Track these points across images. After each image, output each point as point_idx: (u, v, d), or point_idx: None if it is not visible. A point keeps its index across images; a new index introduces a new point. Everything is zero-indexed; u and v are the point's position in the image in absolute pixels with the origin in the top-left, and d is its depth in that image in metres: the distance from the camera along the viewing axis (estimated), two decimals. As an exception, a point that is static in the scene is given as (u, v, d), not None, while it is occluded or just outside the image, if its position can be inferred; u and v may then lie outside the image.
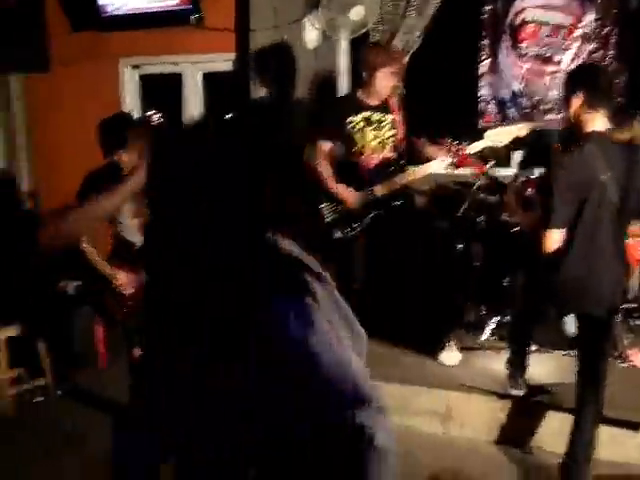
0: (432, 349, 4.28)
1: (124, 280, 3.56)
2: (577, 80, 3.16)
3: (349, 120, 4.29)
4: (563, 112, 5.26)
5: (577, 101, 3.07)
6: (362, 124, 4.29)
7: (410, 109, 4.55)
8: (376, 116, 4.29)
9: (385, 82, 4.21)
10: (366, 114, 4.29)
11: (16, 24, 5.65)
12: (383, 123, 4.30)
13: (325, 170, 4.35)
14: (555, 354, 4.23)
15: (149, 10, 5.77)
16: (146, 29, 5.79)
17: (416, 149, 4.37)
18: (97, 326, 4.67)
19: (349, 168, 4.42)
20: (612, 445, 3.63)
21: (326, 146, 4.37)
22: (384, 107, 4.31)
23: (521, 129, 4.42)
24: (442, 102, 5.61)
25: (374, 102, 4.29)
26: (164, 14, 5.73)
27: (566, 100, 3.18)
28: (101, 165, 3.58)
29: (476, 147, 4.19)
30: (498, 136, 4.31)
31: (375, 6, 5.18)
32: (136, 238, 3.56)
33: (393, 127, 4.32)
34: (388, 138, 4.32)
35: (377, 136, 4.30)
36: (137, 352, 3.51)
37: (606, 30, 5.19)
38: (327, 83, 5.61)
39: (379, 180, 4.27)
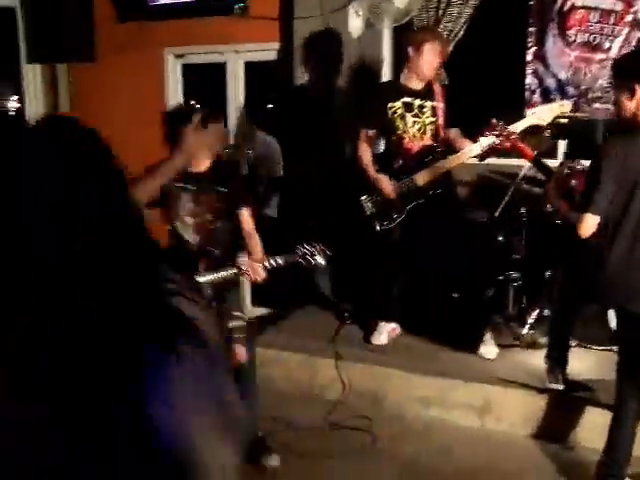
0: (471, 343, 4.26)
1: None
2: (632, 71, 3.09)
3: (390, 106, 4.27)
4: (611, 102, 5.17)
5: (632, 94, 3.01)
6: (402, 110, 4.25)
7: (454, 98, 4.51)
8: (417, 102, 4.26)
9: (431, 57, 4.16)
10: (407, 100, 4.25)
11: (64, 13, 5.75)
12: (424, 109, 4.27)
13: (366, 157, 4.35)
14: (595, 350, 4.16)
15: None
16: (190, 18, 5.85)
17: (448, 139, 4.33)
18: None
19: (390, 155, 4.41)
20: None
21: (368, 132, 4.37)
22: (427, 93, 4.26)
23: (563, 106, 4.34)
24: (488, 91, 5.56)
25: (417, 86, 4.25)
26: (208, 3, 5.78)
27: (619, 89, 3.11)
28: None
29: (521, 125, 4.13)
30: (542, 113, 4.24)
31: (419, -6, 5.14)
32: (191, 237, 3.48)
33: (434, 114, 4.27)
34: (428, 125, 4.28)
35: (417, 122, 4.27)
36: None
37: (658, 17, 5.04)
38: (371, 71, 5.60)
39: (419, 168, 4.24)
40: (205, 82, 6.29)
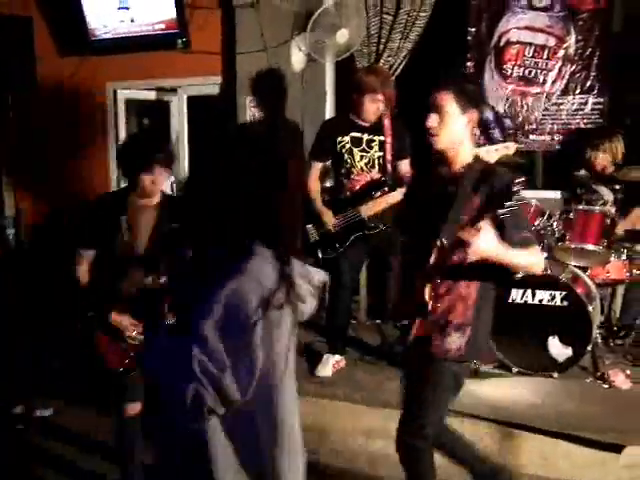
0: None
1: (128, 326, 3.22)
2: None
3: (339, 140, 4.32)
4: (545, 133, 5.34)
5: None
6: (350, 144, 4.31)
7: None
8: (366, 137, 4.31)
9: (373, 107, 4.23)
10: (356, 134, 4.31)
11: (6, 45, 5.71)
12: (372, 144, 4.32)
13: (313, 189, 4.40)
14: (535, 376, 4.22)
15: (137, 34, 5.84)
16: (133, 53, 5.86)
17: (398, 173, 4.39)
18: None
19: (339, 187, 4.46)
20: (595, 467, 3.65)
21: (316, 166, 4.43)
22: (376, 128, 4.32)
23: (508, 148, 4.45)
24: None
25: (365, 123, 4.31)
26: (151, 38, 5.80)
27: None
28: (109, 193, 3.50)
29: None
30: (487, 154, 4.34)
31: (360, 29, 5.25)
32: (148, 274, 3.27)
33: (382, 149, 4.33)
34: (377, 159, 4.34)
35: (365, 156, 4.32)
36: (134, 408, 3.31)
37: (588, 52, 5.23)
38: (314, 105, 5.66)
39: (366, 200, 4.29)
40: (151, 116, 6.27)
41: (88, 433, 4.24)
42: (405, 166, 4.35)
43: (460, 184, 2.68)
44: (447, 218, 2.64)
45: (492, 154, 4.31)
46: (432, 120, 2.77)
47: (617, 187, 4.72)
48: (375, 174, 4.34)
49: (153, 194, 3.28)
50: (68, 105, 6.21)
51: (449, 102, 2.76)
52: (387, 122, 4.34)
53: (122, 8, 5.79)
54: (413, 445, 2.86)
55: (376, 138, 4.31)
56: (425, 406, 2.80)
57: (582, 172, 4.83)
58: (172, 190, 5.72)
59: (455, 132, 2.72)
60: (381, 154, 4.31)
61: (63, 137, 6.24)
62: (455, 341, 2.70)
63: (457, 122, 2.74)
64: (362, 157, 4.31)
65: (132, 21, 5.80)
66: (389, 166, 4.34)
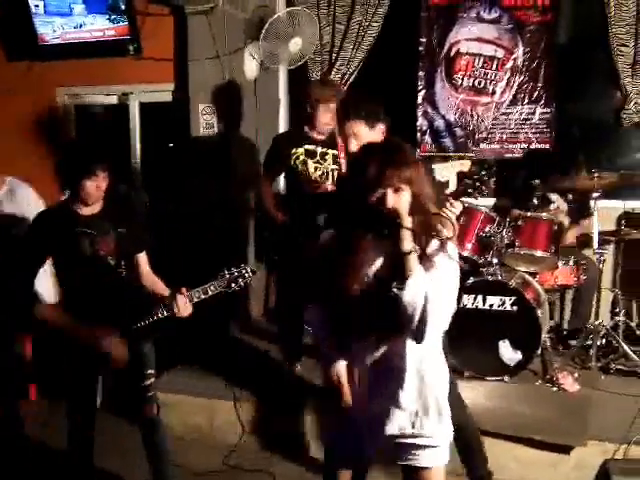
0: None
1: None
2: None
3: (293, 152, 4.33)
4: (495, 142, 5.45)
5: None
6: (304, 156, 4.32)
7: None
8: (320, 149, 4.33)
9: (325, 117, 4.24)
10: (309, 147, 4.32)
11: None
12: (326, 157, 4.33)
13: (267, 199, 4.42)
14: (488, 380, 4.28)
15: (87, 40, 5.75)
16: (84, 59, 5.78)
17: None
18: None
19: (293, 197, 4.47)
20: (544, 468, 3.71)
21: (269, 178, 4.45)
22: (329, 142, 4.33)
23: (463, 164, 4.55)
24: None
25: (319, 136, 4.33)
26: (102, 44, 5.72)
27: None
28: (53, 205, 3.43)
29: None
30: (444, 171, 4.43)
31: (313, 38, 5.28)
32: (96, 285, 3.23)
33: (336, 162, 4.35)
34: (331, 171, 4.36)
35: (319, 168, 4.34)
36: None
37: (535, 63, 5.36)
38: (267, 112, 5.67)
39: (320, 210, 4.28)
40: (102, 123, 6.20)
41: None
42: None
43: None
44: None
45: (449, 170, 4.42)
46: (352, 146, 3.18)
47: (570, 196, 4.85)
48: (329, 185, 4.35)
49: (97, 199, 3.24)
50: (16, 111, 6.09)
51: (357, 125, 3.19)
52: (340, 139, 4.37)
53: (69, 15, 5.72)
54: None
55: (329, 151, 4.32)
56: None
57: (536, 181, 4.93)
58: (119, 196, 5.66)
59: None
60: (335, 167, 4.33)
61: (11, 144, 6.11)
62: None
63: (370, 138, 3.07)
64: (316, 168, 4.33)
65: (81, 27, 5.72)
66: None
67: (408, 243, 2.00)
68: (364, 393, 2.23)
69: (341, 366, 2.25)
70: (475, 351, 4.27)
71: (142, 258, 3.45)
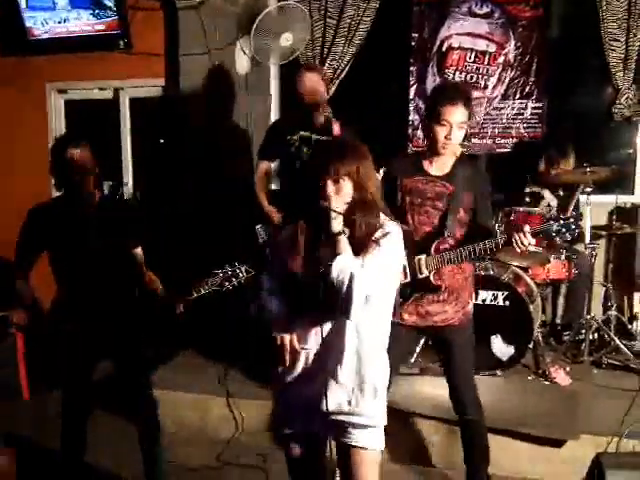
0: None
1: None
2: None
3: (288, 138, 4.31)
4: (487, 137, 5.45)
5: None
6: (299, 143, 4.30)
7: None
8: (315, 136, 4.30)
9: (307, 85, 4.22)
10: (305, 134, 4.30)
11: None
12: None
13: (261, 190, 4.40)
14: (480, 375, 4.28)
15: (77, 34, 5.71)
16: (74, 54, 5.74)
17: None
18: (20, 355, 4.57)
19: (285, 187, 4.45)
20: (536, 462, 3.73)
21: (263, 165, 4.42)
22: (325, 129, 4.31)
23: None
24: (373, 127, 5.72)
25: (315, 121, 4.29)
26: (92, 39, 5.68)
27: None
28: (47, 200, 3.43)
29: None
30: None
31: (304, 33, 5.26)
32: (90, 280, 3.26)
33: None
34: None
35: None
36: None
37: (527, 58, 5.37)
38: (259, 107, 5.65)
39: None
40: (92, 118, 6.15)
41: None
42: None
43: None
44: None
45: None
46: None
47: (561, 193, 4.86)
48: None
49: (79, 170, 3.20)
50: (6, 106, 6.05)
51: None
52: (337, 128, 4.34)
53: (52, 9, 5.68)
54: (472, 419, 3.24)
55: (324, 138, 4.30)
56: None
57: (527, 177, 4.95)
58: (110, 192, 5.64)
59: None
60: None
61: (1, 139, 6.08)
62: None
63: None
64: None
65: (65, 21, 5.68)
66: None
67: (337, 226, 2.21)
68: (308, 370, 2.35)
69: (286, 335, 2.37)
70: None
71: (136, 254, 3.44)
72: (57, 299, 3.36)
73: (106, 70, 5.78)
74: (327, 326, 2.31)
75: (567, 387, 4.20)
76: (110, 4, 5.54)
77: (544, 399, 4.05)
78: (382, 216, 2.34)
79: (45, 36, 5.78)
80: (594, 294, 4.81)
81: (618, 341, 4.49)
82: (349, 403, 2.32)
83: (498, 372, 4.26)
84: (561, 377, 4.22)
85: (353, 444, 2.36)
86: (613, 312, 4.72)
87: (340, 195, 2.23)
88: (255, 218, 4.43)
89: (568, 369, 4.33)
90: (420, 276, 3.10)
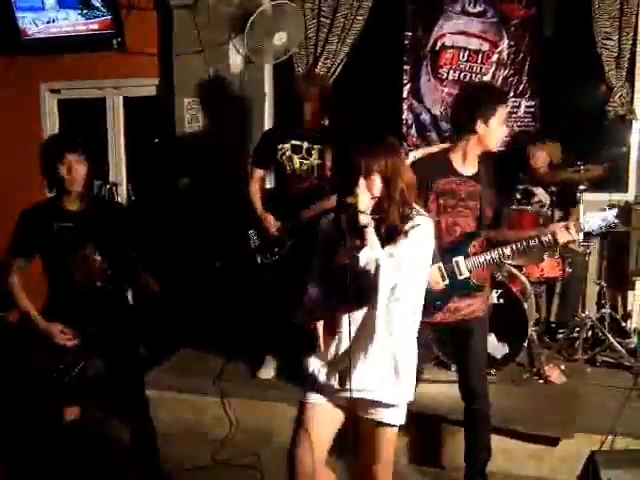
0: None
1: (58, 334, 3.23)
2: None
3: (279, 147, 4.31)
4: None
5: None
6: (290, 151, 4.31)
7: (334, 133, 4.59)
8: (306, 145, 4.31)
9: (310, 107, 4.23)
10: (296, 142, 4.31)
11: None
12: (312, 152, 4.32)
13: (255, 196, 4.39)
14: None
15: (71, 34, 5.70)
16: (68, 53, 5.73)
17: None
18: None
19: (279, 193, 4.45)
20: (531, 460, 3.74)
21: (257, 172, 4.42)
22: (316, 137, 4.32)
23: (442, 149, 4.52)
24: (366, 126, 5.71)
25: (306, 131, 4.30)
26: (86, 38, 5.66)
27: None
28: (40, 201, 3.42)
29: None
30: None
31: (298, 32, 5.25)
32: (82, 281, 3.30)
33: (321, 157, 4.33)
34: (316, 166, 4.34)
35: (305, 163, 4.32)
36: (72, 411, 3.36)
37: (520, 57, 5.37)
38: (253, 106, 5.64)
39: (305, 206, 4.27)
40: (85, 118, 6.14)
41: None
42: None
43: None
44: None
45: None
46: None
47: (553, 189, 4.86)
48: (314, 180, 4.34)
49: (73, 185, 3.22)
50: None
51: None
52: (328, 162, 4.35)
53: (41, 9, 5.68)
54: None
55: (316, 147, 4.31)
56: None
57: (520, 175, 4.95)
58: (102, 193, 5.62)
59: None
60: (320, 161, 4.32)
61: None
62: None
63: None
64: (302, 164, 4.32)
65: (53, 21, 5.68)
66: (329, 173, 4.35)
67: (364, 218, 2.31)
68: (339, 352, 2.50)
69: (320, 322, 2.56)
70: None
71: (129, 254, 3.44)
72: (50, 301, 3.36)
73: (100, 70, 5.78)
74: (359, 314, 2.44)
75: (561, 385, 4.20)
76: (98, 4, 5.55)
77: (538, 397, 4.06)
78: (415, 210, 2.45)
79: (39, 36, 5.77)
80: (588, 292, 4.82)
81: (612, 339, 4.50)
82: (374, 383, 2.46)
83: (492, 371, 4.26)
84: (555, 375, 4.22)
85: (377, 420, 2.52)
86: (607, 310, 4.73)
87: (371, 190, 2.35)
88: (248, 221, 4.42)
89: (562, 367, 4.34)
90: (460, 277, 3.18)
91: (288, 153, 4.31)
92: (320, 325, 2.55)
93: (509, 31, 5.38)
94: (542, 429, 3.71)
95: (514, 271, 4.50)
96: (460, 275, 3.18)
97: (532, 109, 5.40)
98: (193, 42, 5.41)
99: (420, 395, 3.91)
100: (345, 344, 2.48)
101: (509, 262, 4.49)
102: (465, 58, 5.54)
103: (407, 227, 2.38)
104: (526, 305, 4.29)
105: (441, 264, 3.16)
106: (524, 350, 4.35)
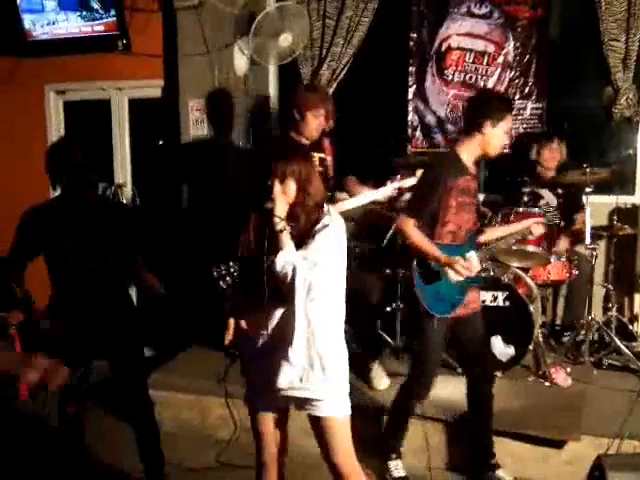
0: (361, 375, 4.29)
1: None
2: None
3: None
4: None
5: None
6: None
7: (339, 135, 4.58)
8: None
9: (314, 124, 4.21)
10: None
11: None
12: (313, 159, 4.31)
13: None
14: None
15: (76, 35, 5.71)
16: (73, 55, 5.74)
17: (344, 186, 4.43)
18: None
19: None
20: (537, 463, 3.71)
21: None
22: (316, 145, 4.29)
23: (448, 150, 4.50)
24: (372, 129, 5.72)
25: (305, 141, 4.29)
26: (91, 40, 5.68)
27: None
28: (44, 201, 3.41)
29: (410, 182, 4.22)
30: None
31: (303, 34, 5.25)
32: (85, 282, 3.28)
33: (322, 165, 4.32)
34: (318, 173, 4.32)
35: None
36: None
37: (526, 58, 5.35)
38: (258, 108, 5.64)
39: None
40: (90, 120, 6.15)
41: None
42: (352, 182, 4.43)
43: None
44: None
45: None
46: None
47: (560, 191, 4.85)
48: None
49: (85, 192, 3.23)
50: (4, 107, 6.04)
51: None
52: (326, 142, 4.34)
53: (40, 11, 5.70)
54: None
55: (316, 155, 4.29)
56: None
57: (526, 178, 4.94)
58: (107, 194, 5.63)
59: None
60: (321, 170, 4.30)
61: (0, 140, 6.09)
62: None
63: None
64: None
65: (53, 24, 5.70)
66: (330, 182, 4.35)
67: (279, 223, 2.45)
68: (263, 352, 2.60)
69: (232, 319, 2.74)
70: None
71: (133, 255, 3.43)
72: (53, 301, 3.35)
73: (105, 71, 5.79)
74: (278, 312, 2.55)
75: (567, 388, 4.18)
76: (97, 6, 5.56)
77: (544, 400, 4.03)
78: (326, 210, 2.57)
79: (43, 37, 5.79)
80: (594, 295, 4.79)
81: (619, 342, 4.48)
82: (300, 380, 2.55)
83: (498, 373, 4.22)
84: (561, 378, 4.20)
85: (314, 415, 2.62)
86: (614, 313, 4.71)
87: (286, 193, 2.48)
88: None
89: (568, 370, 4.31)
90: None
91: None
92: (232, 322, 2.73)
93: (515, 32, 5.36)
94: (548, 432, 3.68)
95: (520, 274, 4.48)
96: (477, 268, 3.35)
97: (538, 111, 5.37)
98: (198, 44, 5.42)
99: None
100: (268, 345, 2.58)
101: (515, 265, 4.48)
102: (471, 60, 5.52)
103: (317, 228, 2.49)
104: (532, 308, 4.27)
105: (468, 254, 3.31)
106: (530, 352, 4.33)
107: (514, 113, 5.35)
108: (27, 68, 5.95)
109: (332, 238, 2.51)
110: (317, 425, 2.64)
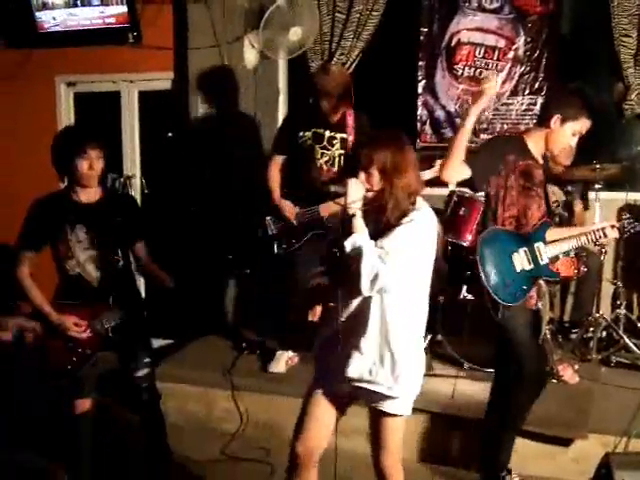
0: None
1: (71, 326, 3.21)
2: None
3: (300, 134, 4.27)
4: (496, 132, 5.41)
5: None
6: (311, 141, 4.26)
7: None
8: (328, 133, 4.25)
9: (330, 106, 4.19)
10: (318, 130, 4.26)
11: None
12: (334, 141, 4.27)
13: (273, 183, 4.36)
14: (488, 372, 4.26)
15: (87, 27, 5.72)
16: (83, 47, 5.75)
17: None
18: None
19: (299, 183, 4.40)
20: (544, 460, 3.70)
21: (277, 159, 4.39)
22: (339, 125, 4.27)
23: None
24: (381, 123, 5.69)
25: (328, 119, 4.25)
26: (102, 32, 5.69)
27: None
28: (52, 193, 3.41)
29: (428, 175, 4.19)
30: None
31: (313, 27, 5.23)
32: (93, 274, 3.32)
33: (343, 146, 4.28)
34: (338, 157, 4.30)
35: (325, 154, 4.28)
36: (83, 403, 3.34)
37: (537, 53, 5.32)
38: (267, 102, 5.64)
39: (325, 199, 4.22)
40: (101, 112, 6.16)
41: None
42: None
43: None
44: None
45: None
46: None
47: (569, 188, 4.82)
48: (335, 172, 4.29)
49: (91, 180, 3.22)
50: (15, 99, 6.06)
51: None
52: (350, 120, 4.28)
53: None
54: None
55: (338, 136, 4.26)
56: None
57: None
58: (116, 186, 5.65)
59: None
60: (342, 152, 4.27)
61: (10, 132, 6.10)
62: None
63: None
64: (322, 154, 4.27)
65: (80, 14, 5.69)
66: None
67: (352, 209, 2.40)
68: (337, 340, 2.52)
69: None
70: (475, 343, 4.24)
71: (140, 247, 3.43)
72: (60, 293, 3.35)
73: (115, 63, 5.80)
74: (355, 300, 2.51)
75: (575, 385, 4.17)
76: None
77: (552, 397, 4.00)
78: (418, 206, 2.48)
79: (55, 29, 5.80)
80: (603, 292, 4.77)
81: (627, 339, 4.46)
82: (369, 373, 2.51)
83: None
84: (569, 375, 4.19)
85: (378, 409, 2.58)
86: (622, 310, 4.69)
87: (370, 183, 2.44)
88: (263, 211, 4.41)
89: (576, 367, 4.30)
90: (541, 263, 3.25)
91: (309, 142, 4.26)
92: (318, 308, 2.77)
93: (526, 27, 5.33)
94: (555, 430, 3.67)
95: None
96: (541, 261, 3.24)
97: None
98: (208, 37, 5.42)
99: (433, 392, 3.95)
100: (342, 331, 2.52)
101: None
102: (481, 54, 5.49)
103: (404, 221, 2.42)
104: (540, 304, 4.24)
105: (526, 249, 3.21)
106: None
107: (524, 109, 5.39)
108: (38, 60, 5.95)
109: (415, 235, 2.42)
110: (377, 421, 2.61)
